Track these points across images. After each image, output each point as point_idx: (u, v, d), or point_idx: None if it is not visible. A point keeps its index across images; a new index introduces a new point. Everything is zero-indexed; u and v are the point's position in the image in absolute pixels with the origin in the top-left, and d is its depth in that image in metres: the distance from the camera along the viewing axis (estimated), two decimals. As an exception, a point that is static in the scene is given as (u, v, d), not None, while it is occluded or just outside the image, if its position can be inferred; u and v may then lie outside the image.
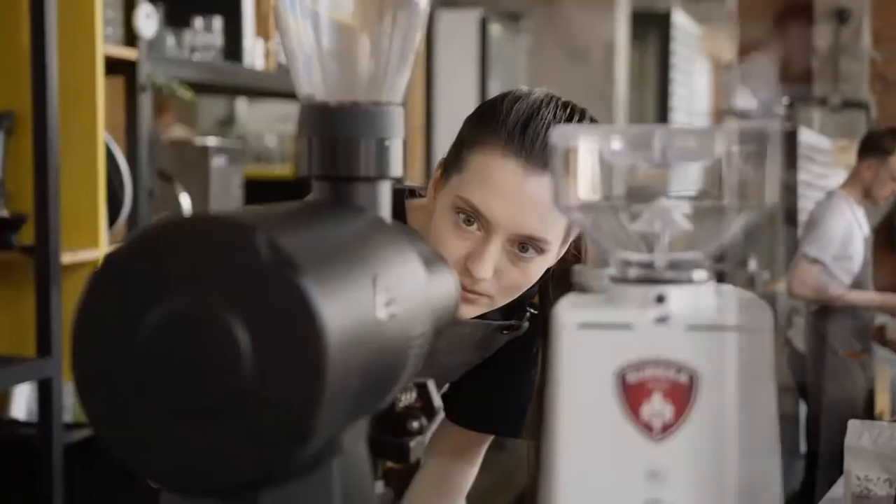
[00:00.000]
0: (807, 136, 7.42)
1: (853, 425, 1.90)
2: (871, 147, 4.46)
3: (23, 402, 2.87)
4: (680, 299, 0.69)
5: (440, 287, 0.85)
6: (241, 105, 6.23)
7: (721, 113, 9.15)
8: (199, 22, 3.10)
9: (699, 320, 0.68)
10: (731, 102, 5.82)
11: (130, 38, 2.74)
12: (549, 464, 0.68)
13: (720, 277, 0.74)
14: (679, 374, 0.68)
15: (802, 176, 7.16)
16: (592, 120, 1.32)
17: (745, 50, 10.09)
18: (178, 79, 2.91)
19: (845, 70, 9.64)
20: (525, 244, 1.26)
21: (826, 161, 7.80)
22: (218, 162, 3.15)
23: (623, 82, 6.09)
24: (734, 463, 0.67)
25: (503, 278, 1.27)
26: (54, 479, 2.51)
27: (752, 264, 6.15)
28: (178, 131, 4.49)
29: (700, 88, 9.39)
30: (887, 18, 10.07)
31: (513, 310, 1.41)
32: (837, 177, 8.28)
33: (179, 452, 0.62)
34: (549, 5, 6.06)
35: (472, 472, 1.60)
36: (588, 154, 0.71)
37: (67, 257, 2.50)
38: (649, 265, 0.71)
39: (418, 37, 0.84)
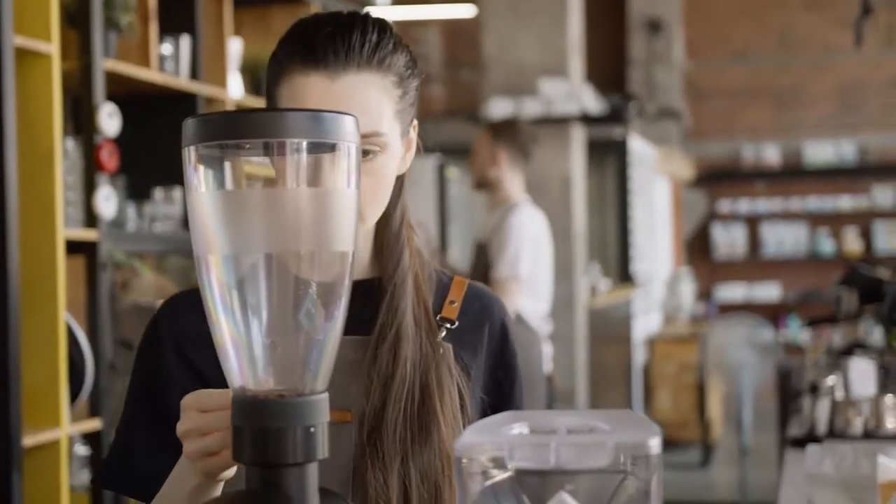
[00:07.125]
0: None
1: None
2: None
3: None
4: None
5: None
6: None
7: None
8: (158, 193, 3.19)
9: None
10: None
11: (91, 217, 2.81)
12: None
13: None
14: None
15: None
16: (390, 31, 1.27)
17: (702, 166, 10.31)
18: (138, 252, 2.98)
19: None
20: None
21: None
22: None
23: (581, 215, 6.21)
24: None
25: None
26: None
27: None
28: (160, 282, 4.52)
29: (660, 206, 9.54)
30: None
31: None
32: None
33: None
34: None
35: None
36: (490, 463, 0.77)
37: (29, 439, 2.52)
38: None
39: (339, 333, 0.91)
